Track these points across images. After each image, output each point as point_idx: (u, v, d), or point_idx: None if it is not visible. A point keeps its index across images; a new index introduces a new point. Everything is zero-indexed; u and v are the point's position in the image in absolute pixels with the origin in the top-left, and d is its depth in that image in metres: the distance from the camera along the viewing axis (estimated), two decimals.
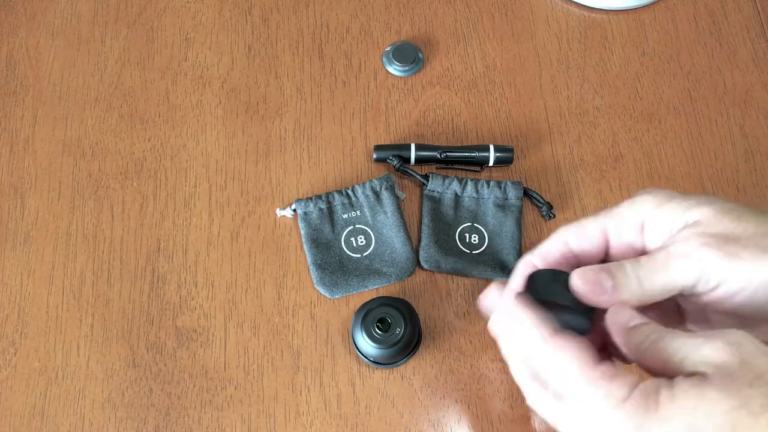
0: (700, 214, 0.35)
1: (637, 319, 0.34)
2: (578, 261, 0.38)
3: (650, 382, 0.31)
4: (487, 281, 0.58)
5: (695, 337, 0.31)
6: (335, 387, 0.55)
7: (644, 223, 0.36)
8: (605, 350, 0.37)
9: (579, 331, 0.34)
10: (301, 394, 0.55)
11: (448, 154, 0.61)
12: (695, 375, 0.30)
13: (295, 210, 0.60)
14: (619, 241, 0.37)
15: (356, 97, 0.65)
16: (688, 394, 0.29)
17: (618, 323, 0.34)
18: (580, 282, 0.34)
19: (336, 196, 0.60)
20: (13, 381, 0.55)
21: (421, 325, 0.56)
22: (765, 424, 0.28)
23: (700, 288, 0.34)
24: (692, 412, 0.29)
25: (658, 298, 0.34)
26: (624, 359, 0.36)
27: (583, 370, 0.32)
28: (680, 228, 0.35)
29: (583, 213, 0.61)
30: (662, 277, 0.34)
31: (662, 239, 0.36)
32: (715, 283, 0.33)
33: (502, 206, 0.60)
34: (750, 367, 0.29)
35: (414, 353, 0.56)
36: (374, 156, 0.61)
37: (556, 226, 0.59)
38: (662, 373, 0.32)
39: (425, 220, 0.59)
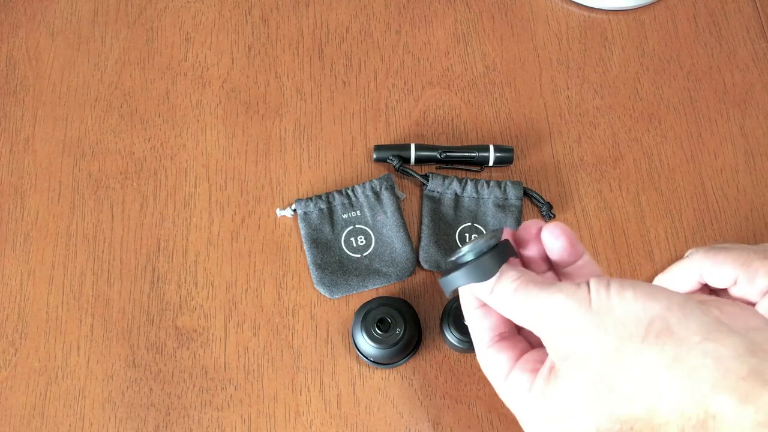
0: None
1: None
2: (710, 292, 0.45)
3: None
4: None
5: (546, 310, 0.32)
6: (335, 387, 0.55)
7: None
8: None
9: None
10: (301, 394, 0.55)
11: (448, 154, 0.61)
12: (550, 365, 0.32)
13: (295, 210, 0.60)
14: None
15: (356, 97, 0.65)
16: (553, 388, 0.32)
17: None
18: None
19: (336, 196, 0.60)
20: (13, 381, 0.55)
21: (421, 325, 0.56)
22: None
23: None
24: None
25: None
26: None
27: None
28: None
29: (583, 213, 0.61)
30: None
31: None
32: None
33: (502, 206, 0.60)
34: (580, 355, 0.30)
35: (414, 353, 0.56)
36: (374, 156, 0.61)
37: None
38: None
39: (425, 220, 0.59)
